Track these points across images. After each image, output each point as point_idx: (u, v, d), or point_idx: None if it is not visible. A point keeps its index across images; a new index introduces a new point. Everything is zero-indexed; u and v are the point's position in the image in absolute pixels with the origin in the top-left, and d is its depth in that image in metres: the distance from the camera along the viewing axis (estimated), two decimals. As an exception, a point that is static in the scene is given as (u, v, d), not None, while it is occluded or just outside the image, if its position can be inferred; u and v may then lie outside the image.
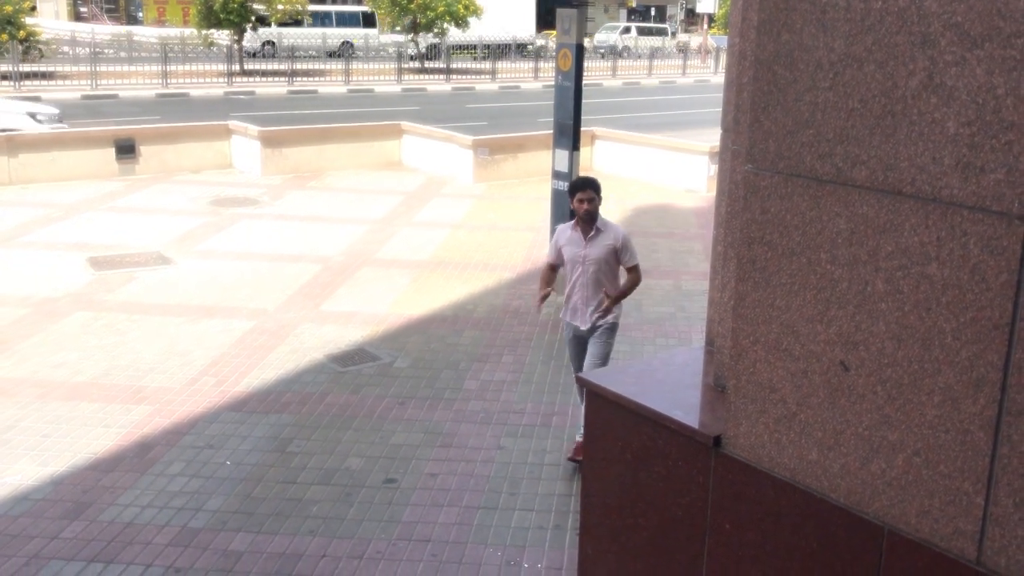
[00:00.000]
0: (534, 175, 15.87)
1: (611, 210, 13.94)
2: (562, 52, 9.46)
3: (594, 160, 17.40)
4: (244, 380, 7.65)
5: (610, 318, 6.22)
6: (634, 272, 6.24)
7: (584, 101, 9.75)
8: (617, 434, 3.43)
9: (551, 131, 10.14)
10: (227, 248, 11.79)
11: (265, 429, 6.78)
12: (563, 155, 9.51)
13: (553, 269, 6.35)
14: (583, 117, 9.78)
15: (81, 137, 16.08)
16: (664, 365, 3.86)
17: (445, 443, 6.54)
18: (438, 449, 6.46)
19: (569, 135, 9.43)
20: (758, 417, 2.92)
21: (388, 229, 12.81)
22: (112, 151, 15.75)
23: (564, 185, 9.55)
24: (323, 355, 8.19)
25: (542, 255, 10.55)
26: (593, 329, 6.20)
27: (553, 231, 10.01)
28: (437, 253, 11.54)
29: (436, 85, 34.14)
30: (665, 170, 16.23)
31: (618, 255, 6.14)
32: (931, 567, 2.53)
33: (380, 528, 5.51)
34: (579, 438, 6.12)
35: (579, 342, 6.32)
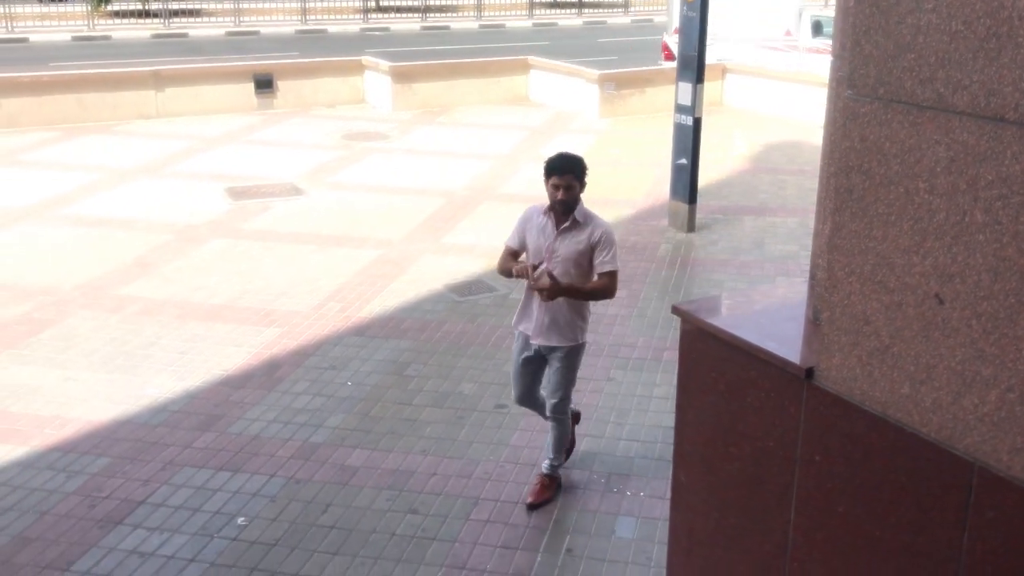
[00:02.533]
0: (661, 110, 15.60)
1: (739, 147, 13.67)
2: (689, -18, 9.23)
3: (724, 95, 16.96)
4: (367, 307, 7.94)
5: (572, 338, 4.95)
6: (607, 279, 4.79)
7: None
8: (712, 365, 3.44)
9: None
10: (357, 181, 12.14)
11: (385, 353, 7.05)
12: (687, 88, 9.34)
13: (514, 255, 4.99)
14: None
15: (223, 72, 16.72)
16: (763, 298, 3.83)
17: (556, 373, 6.66)
18: (549, 379, 6.59)
19: (693, 67, 9.25)
20: (851, 350, 2.89)
21: (512, 164, 12.90)
22: (251, 86, 16.33)
23: (688, 119, 9.42)
24: (442, 285, 8.41)
25: (664, 192, 10.46)
26: (551, 349, 4.94)
27: (674, 168, 9.91)
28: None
29: (567, 20, 33.79)
30: (800, 105, 15.67)
31: (592, 256, 4.80)
32: (1021, 505, 2.48)
33: (489, 450, 5.70)
34: (544, 470, 5.28)
35: (530, 362, 5.04)
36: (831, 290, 2.93)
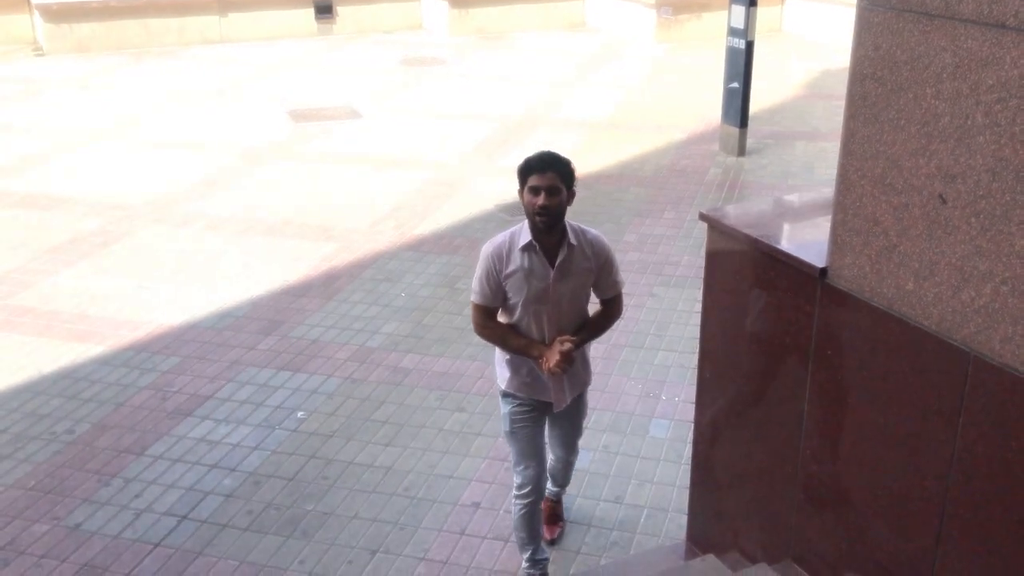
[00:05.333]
0: (718, 36, 15.39)
1: (795, 73, 13.54)
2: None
3: (784, 21, 16.69)
4: (421, 224, 8.24)
5: (588, 374, 4.03)
6: (615, 304, 3.89)
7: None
8: (735, 267, 3.65)
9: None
10: (413, 105, 12.36)
11: (437, 268, 7.36)
12: (739, 10, 9.32)
13: (492, 314, 3.77)
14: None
15: (284, -3, 16.95)
16: (787, 204, 4.01)
17: (601, 288, 6.90)
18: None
19: (747, -10, 9.21)
20: (861, 249, 3.08)
21: (566, 89, 12.98)
22: (312, 11, 16.53)
23: (740, 43, 9.44)
24: (494, 205, 8.66)
25: (716, 117, 10.49)
26: (573, 400, 3.96)
27: (726, 92, 9.89)
28: (611, 114, 11.65)
29: (630, -56, 33.15)
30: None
31: (595, 281, 3.81)
32: (1011, 390, 2.67)
33: (533, 358, 5.99)
34: (553, 497, 4.47)
35: (538, 421, 3.91)
36: (844, 193, 3.11)
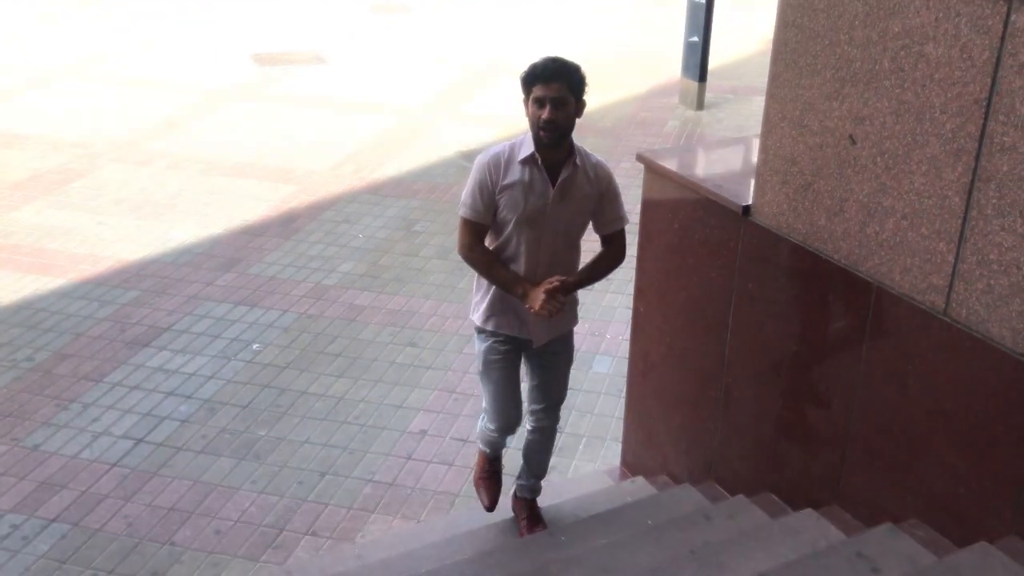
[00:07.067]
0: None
1: (761, 29, 13.66)
2: None
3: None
4: (381, 168, 8.35)
5: (574, 313, 3.65)
6: (617, 241, 3.54)
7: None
8: (668, 206, 3.84)
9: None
10: (378, 51, 12.38)
11: (395, 211, 7.49)
12: (701, -35, 9.42)
13: (482, 234, 3.38)
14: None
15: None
16: (722, 145, 4.21)
17: (555, 234, 7.08)
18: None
19: (709, -56, 9.32)
20: (780, 187, 3.27)
21: (530, 39, 13.03)
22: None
23: (701, -4, 9.50)
24: (454, 152, 8.78)
25: (675, 71, 10.61)
26: (552, 342, 3.55)
27: (686, 46, 10.01)
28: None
29: None
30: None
31: (595, 212, 3.45)
32: (908, 318, 2.89)
33: (485, 298, 6.17)
34: (528, 495, 3.91)
35: (514, 361, 3.55)
36: (767, 135, 3.30)
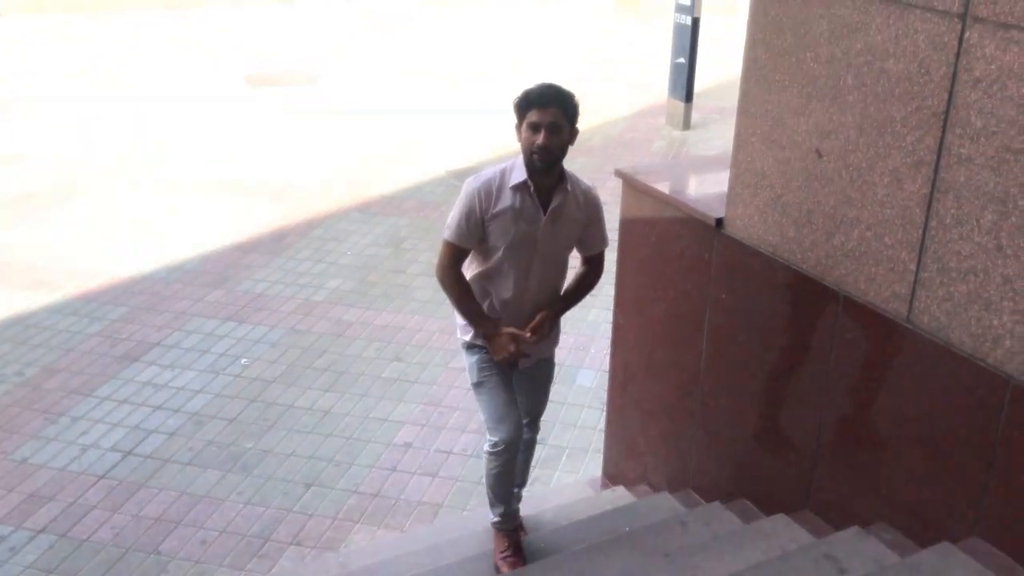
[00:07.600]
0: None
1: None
2: None
3: None
4: (371, 186, 8.46)
5: (557, 335, 3.73)
6: (597, 262, 3.60)
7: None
8: (646, 220, 3.93)
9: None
10: (373, 67, 12.52)
11: (384, 228, 7.59)
12: (687, -13, 9.58)
13: (461, 258, 3.39)
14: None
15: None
16: (699, 160, 4.31)
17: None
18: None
19: (695, -33, 9.48)
20: (751, 200, 3.37)
21: (521, 56, 13.18)
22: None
23: (687, 19, 9.68)
24: (444, 171, 8.88)
25: (662, 92, 10.75)
26: (538, 362, 3.68)
27: (672, 67, 10.16)
28: (565, 84, 11.88)
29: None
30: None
31: (583, 235, 3.50)
32: (873, 325, 2.98)
33: (471, 314, 6.25)
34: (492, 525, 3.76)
35: (505, 369, 3.53)
36: (739, 150, 3.40)
